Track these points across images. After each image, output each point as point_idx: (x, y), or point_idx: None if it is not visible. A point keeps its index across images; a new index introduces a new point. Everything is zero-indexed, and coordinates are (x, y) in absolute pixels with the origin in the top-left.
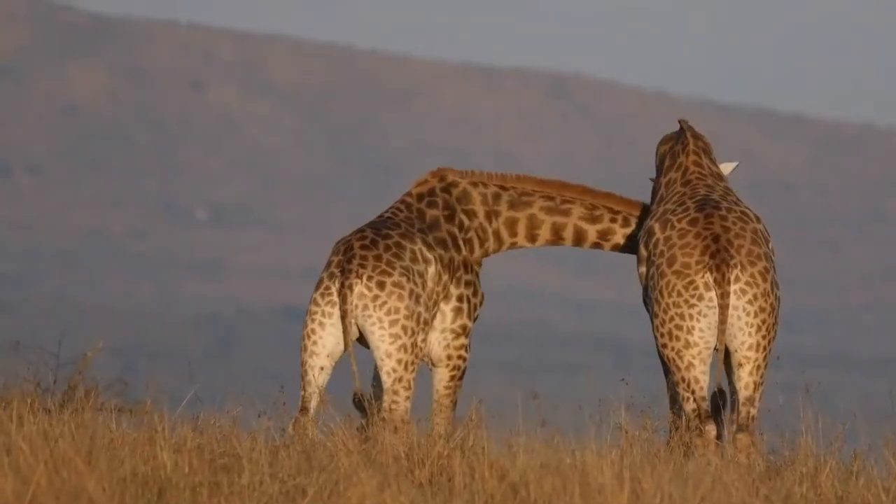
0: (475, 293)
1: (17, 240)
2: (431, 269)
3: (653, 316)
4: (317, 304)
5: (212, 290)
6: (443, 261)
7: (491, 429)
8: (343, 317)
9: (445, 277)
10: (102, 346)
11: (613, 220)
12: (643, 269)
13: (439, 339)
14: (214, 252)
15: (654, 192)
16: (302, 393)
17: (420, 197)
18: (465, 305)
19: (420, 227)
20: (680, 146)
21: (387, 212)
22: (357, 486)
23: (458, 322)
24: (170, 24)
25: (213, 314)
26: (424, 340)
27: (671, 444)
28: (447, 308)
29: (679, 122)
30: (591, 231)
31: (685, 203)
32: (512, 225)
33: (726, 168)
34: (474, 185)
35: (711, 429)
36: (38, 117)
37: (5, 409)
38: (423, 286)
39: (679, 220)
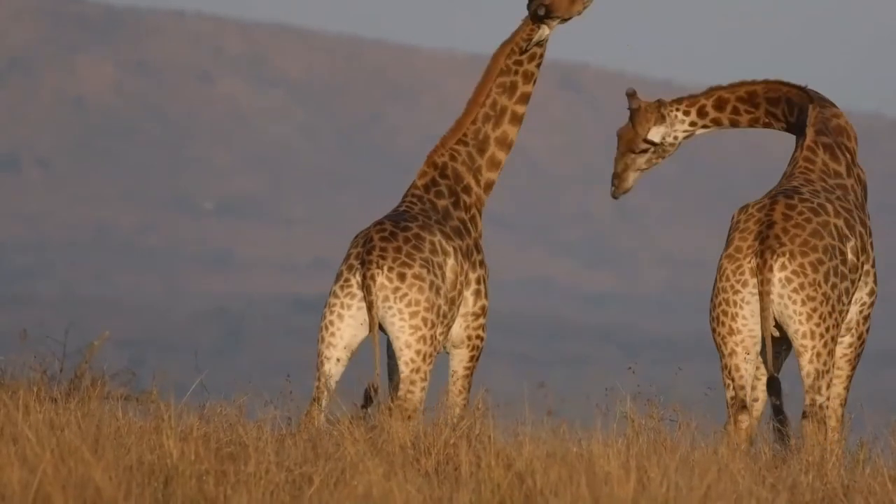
0: (486, 270)
1: (26, 233)
2: (451, 261)
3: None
4: (336, 297)
5: (220, 283)
6: (461, 251)
7: (498, 418)
8: (369, 308)
9: (466, 266)
10: (110, 336)
11: (508, 98)
12: None
13: (461, 323)
14: (222, 244)
15: None
16: (316, 383)
17: (427, 188)
18: (482, 287)
19: (437, 219)
20: (801, 138)
21: (402, 205)
22: (363, 474)
23: (479, 304)
24: (176, 15)
25: (221, 307)
26: (443, 333)
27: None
28: (468, 293)
29: (628, 95)
30: (510, 111)
31: (771, 192)
32: (488, 169)
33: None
34: (453, 157)
35: (744, 419)
36: (47, 110)
37: (11, 398)
38: (443, 278)
39: (753, 206)
